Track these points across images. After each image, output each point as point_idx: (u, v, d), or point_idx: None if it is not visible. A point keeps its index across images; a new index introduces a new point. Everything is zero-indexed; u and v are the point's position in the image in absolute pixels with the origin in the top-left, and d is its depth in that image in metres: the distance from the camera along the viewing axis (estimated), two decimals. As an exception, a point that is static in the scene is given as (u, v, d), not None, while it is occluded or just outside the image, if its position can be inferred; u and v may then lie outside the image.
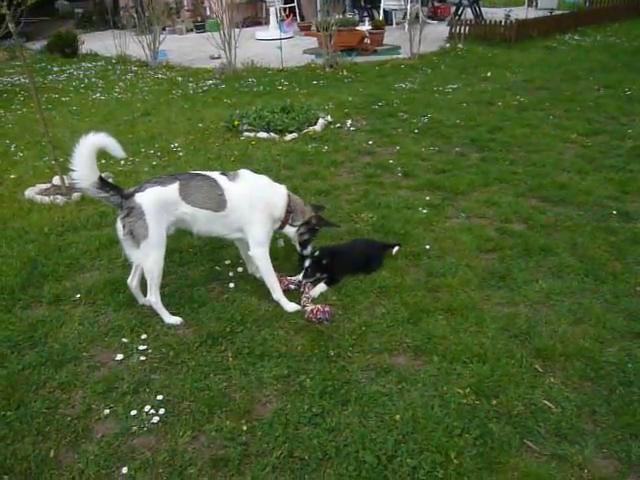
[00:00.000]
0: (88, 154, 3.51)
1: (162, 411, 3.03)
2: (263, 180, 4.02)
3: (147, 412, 3.03)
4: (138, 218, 3.57)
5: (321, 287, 4.05)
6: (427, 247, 4.58)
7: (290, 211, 4.00)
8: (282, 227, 4.05)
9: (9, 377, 3.30)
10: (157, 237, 3.64)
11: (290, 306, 3.87)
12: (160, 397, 3.12)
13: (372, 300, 3.93)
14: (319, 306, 3.77)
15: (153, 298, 3.76)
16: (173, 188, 3.69)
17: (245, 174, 3.94)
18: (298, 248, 4.19)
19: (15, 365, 3.41)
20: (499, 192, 5.66)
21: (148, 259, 3.67)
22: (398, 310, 3.80)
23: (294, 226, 4.06)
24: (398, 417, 2.93)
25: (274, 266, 3.97)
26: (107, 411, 3.06)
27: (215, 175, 3.86)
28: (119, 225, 3.66)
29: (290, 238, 4.18)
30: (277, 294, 3.92)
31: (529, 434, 2.84)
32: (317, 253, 4.19)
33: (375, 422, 2.92)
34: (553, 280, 4.14)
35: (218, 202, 3.77)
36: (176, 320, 3.76)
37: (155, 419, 2.98)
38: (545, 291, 3.99)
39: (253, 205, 3.82)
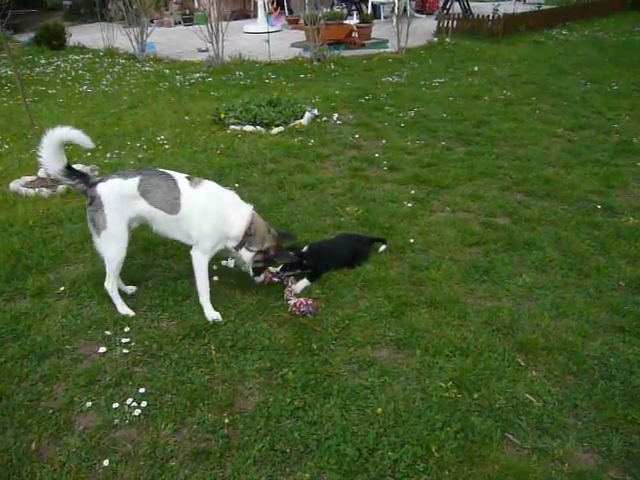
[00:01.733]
0: (53, 145, 3.61)
1: (144, 404, 3.02)
2: (227, 196, 3.85)
3: (129, 405, 3.02)
4: (98, 208, 3.60)
5: (304, 282, 4.03)
6: (411, 241, 4.59)
7: (249, 234, 3.82)
8: (239, 248, 3.86)
9: (-9, 370, 3.28)
10: (116, 229, 3.64)
11: (213, 314, 3.72)
12: (142, 390, 3.12)
13: (356, 293, 3.94)
14: (302, 299, 3.76)
15: (109, 285, 3.76)
16: (133, 182, 3.65)
17: (210, 185, 3.82)
18: (250, 273, 3.99)
19: (-3, 358, 3.39)
20: (484, 186, 5.68)
21: (108, 249, 3.70)
22: (381, 304, 3.81)
23: (250, 251, 3.86)
24: (380, 410, 2.94)
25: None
26: (89, 404, 3.05)
27: (178, 177, 3.75)
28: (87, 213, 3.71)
29: (242, 261, 3.97)
30: (203, 298, 3.77)
31: (510, 428, 2.86)
32: (305, 249, 4.18)
33: (357, 415, 2.93)
34: (537, 274, 4.16)
35: (172, 205, 3.67)
36: (129, 311, 3.78)
37: (137, 412, 2.97)
38: (528, 285, 4.01)
39: (205, 217, 3.69)
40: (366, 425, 2.86)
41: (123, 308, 3.78)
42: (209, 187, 3.80)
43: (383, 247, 4.44)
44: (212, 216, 3.71)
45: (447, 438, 2.78)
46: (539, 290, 3.97)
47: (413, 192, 5.56)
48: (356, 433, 2.81)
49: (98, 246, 3.72)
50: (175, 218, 3.70)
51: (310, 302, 3.74)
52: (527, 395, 3.05)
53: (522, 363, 3.29)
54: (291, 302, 3.77)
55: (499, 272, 4.16)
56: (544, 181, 5.74)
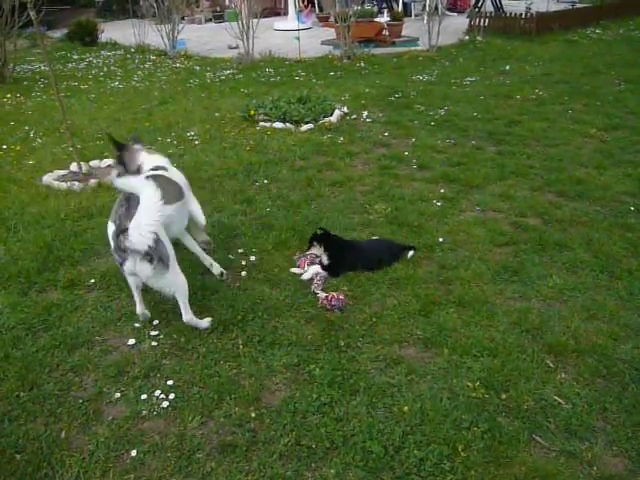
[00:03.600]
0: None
1: (172, 396, 3.05)
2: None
3: (157, 397, 3.06)
4: (157, 240, 3.24)
5: (315, 268, 4.07)
6: (440, 240, 4.56)
7: None
8: None
9: (23, 359, 3.35)
10: (173, 252, 3.43)
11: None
12: (170, 382, 3.15)
13: (384, 291, 3.92)
14: (334, 293, 3.76)
15: (189, 316, 3.51)
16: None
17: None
18: None
19: (29, 347, 3.46)
20: (515, 186, 5.61)
21: (178, 278, 3.44)
22: (409, 302, 3.79)
23: None
24: (406, 409, 2.93)
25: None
26: (118, 394, 3.09)
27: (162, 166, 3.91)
28: (138, 267, 3.27)
29: None
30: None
31: (538, 429, 2.83)
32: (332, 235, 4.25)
33: (383, 413, 2.92)
34: (567, 275, 4.10)
35: (180, 190, 3.82)
36: (207, 322, 3.59)
37: (165, 404, 3.01)
38: (559, 286, 3.96)
39: (186, 183, 3.99)
40: (392, 423, 2.85)
41: (204, 323, 3.56)
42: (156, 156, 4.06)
43: (411, 253, 4.34)
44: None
45: (474, 438, 2.76)
46: (569, 292, 3.91)
47: (442, 191, 5.52)
48: (382, 430, 2.81)
49: (167, 283, 3.39)
50: (185, 200, 3.86)
51: (342, 297, 3.75)
52: (556, 397, 3.02)
53: (551, 365, 3.25)
54: (321, 295, 3.78)
55: (529, 273, 4.11)
56: (576, 182, 5.65)
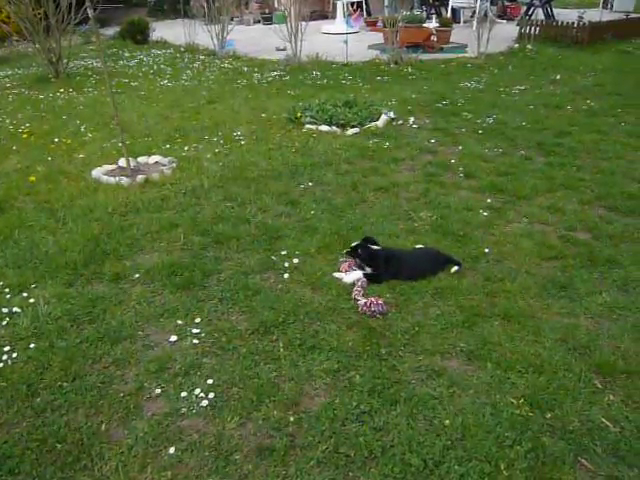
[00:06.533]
0: None
1: (211, 395, 3.05)
2: None
3: (197, 395, 3.06)
4: None
5: (357, 274, 4.05)
6: (486, 251, 4.47)
7: None
8: None
9: (68, 349, 3.41)
10: None
11: None
12: (210, 381, 3.15)
13: (427, 301, 3.86)
14: (372, 299, 3.73)
15: None
16: None
17: None
18: None
19: (74, 338, 3.52)
20: (564, 198, 5.47)
21: None
22: (453, 313, 3.72)
23: None
24: (447, 422, 2.87)
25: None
26: (158, 390, 3.11)
27: None
28: None
29: None
30: None
31: (584, 452, 2.73)
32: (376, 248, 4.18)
33: (423, 425, 2.87)
34: (618, 293, 3.97)
35: None
36: None
37: (204, 402, 3.01)
38: (608, 304, 3.83)
39: None
40: (433, 436, 2.79)
41: None
42: None
43: (456, 268, 4.21)
44: None
45: (517, 457, 2.68)
46: (620, 310, 3.78)
47: (489, 201, 5.41)
48: (422, 443, 2.75)
49: None
50: None
51: (381, 302, 3.71)
52: (603, 419, 2.91)
53: (599, 385, 3.14)
54: (361, 302, 3.74)
55: (577, 289, 3.99)
56: (628, 197, 5.47)
